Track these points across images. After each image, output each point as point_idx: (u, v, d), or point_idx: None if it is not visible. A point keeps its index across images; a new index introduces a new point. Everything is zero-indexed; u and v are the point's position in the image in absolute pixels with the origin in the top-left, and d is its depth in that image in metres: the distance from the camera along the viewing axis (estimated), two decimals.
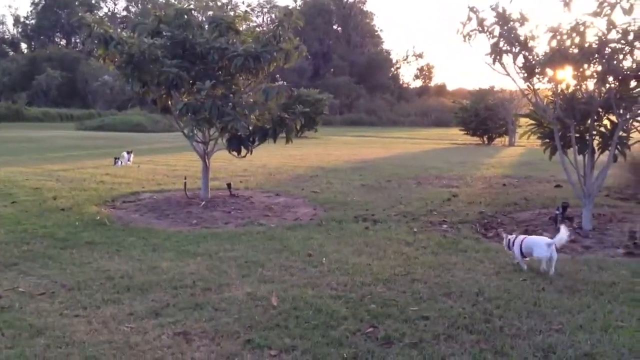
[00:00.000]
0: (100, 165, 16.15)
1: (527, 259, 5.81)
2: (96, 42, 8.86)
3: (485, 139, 33.28)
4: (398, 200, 10.16)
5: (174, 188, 11.48)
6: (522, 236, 5.99)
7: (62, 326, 4.39)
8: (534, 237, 6.07)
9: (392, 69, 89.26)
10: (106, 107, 60.24)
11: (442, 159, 19.63)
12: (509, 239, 6.02)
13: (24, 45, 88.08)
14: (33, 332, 4.27)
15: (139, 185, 11.90)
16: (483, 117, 32.32)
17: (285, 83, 9.07)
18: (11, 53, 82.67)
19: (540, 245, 5.67)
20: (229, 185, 10.42)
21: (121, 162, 16.30)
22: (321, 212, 9.09)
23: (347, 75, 76.43)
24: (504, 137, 33.27)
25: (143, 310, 4.71)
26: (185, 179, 10.60)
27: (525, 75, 7.71)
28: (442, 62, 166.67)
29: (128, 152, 17.09)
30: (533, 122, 8.82)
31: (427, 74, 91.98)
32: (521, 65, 7.66)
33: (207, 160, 9.94)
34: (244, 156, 9.51)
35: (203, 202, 9.43)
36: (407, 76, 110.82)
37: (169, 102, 9.55)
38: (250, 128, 9.04)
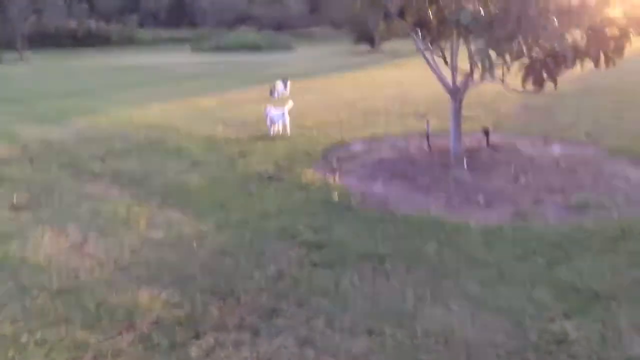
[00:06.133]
0: (257, 99, 13.31)
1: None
2: None
3: None
4: None
5: (382, 132, 8.64)
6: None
7: None
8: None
9: None
10: (214, 25, 58.10)
11: None
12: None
13: None
14: None
15: (336, 131, 9.09)
16: None
17: None
18: None
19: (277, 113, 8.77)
20: (486, 131, 7.23)
21: (277, 94, 13.55)
22: None
23: None
24: None
25: None
26: (427, 123, 7.39)
27: None
28: None
29: (284, 81, 14.26)
30: None
31: None
32: None
33: (459, 98, 6.86)
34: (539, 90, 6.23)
35: (465, 164, 6.42)
36: None
37: (428, 13, 6.31)
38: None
